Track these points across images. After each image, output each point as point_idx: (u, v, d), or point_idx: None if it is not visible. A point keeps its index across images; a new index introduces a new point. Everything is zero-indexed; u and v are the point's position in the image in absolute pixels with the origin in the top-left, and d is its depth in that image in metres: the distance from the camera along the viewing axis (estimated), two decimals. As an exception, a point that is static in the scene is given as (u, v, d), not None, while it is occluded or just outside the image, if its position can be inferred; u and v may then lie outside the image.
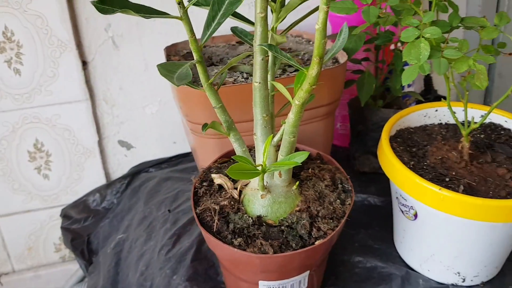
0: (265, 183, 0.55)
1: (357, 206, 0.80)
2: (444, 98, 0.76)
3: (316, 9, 0.60)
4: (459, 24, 0.55)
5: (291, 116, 0.51)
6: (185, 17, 0.48)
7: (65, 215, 0.94)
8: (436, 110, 0.72)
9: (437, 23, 0.54)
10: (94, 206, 0.94)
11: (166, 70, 0.42)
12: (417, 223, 0.62)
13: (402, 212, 0.64)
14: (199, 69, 0.52)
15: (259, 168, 0.51)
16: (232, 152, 0.64)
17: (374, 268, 0.68)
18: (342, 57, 0.75)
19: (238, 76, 0.72)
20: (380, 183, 0.84)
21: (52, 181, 0.95)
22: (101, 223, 0.89)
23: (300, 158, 0.50)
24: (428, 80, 1.06)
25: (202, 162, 0.75)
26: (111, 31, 0.87)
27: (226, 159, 0.64)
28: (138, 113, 0.95)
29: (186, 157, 0.99)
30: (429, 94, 1.03)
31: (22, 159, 0.92)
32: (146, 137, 0.98)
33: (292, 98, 0.51)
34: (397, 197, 0.64)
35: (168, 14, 0.48)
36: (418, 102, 0.88)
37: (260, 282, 0.55)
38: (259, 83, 0.54)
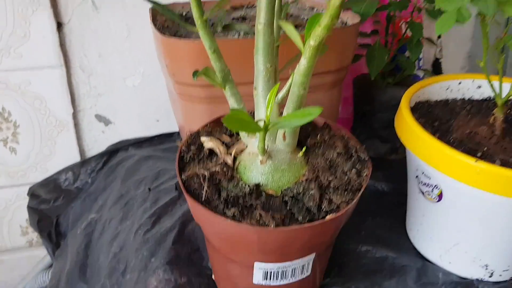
0: (265, 147, 0.46)
1: (363, 192, 0.70)
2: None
3: None
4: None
5: (303, 62, 0.41)
6: None
7: (32, 194, 0.83)
8: (460, 83, 0.64)
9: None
10: (66, 186, 0.83)
11: None
12: (440, 206, 0.53)
13: (423, 193, 0.55)
14: (193, 4, 0.42)
15: (261, 124, 0.41)
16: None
17: (384, 259, 0.58)
18: (353, 19, 0.66)
19: (235, 35, 0.63)
20: (387, 170, 0.75)
21: (19, 155, 0.85)
22: (73, 204, 0.79)
23: (314, 110, 0.40)
24: (437, 65, 0.98)
25: (187, 126, 0.65)
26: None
27: (218, 127, 0.54)
28: (118, 85, 0.85)
29: (170, 137, 0.89)
30: (439, 79, 0.95)
31: (-15, 129, 0.82)
32: (126, 113, 0.87)
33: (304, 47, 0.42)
34: (417, 176, 0.55)
35: None
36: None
37: (256, 264, 0.45)
38: (264, 24, 0.44)
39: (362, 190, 0.45)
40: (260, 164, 0.45)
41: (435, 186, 0.52)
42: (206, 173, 0.45)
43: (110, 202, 0.71)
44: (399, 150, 0.77)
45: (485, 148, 0.52)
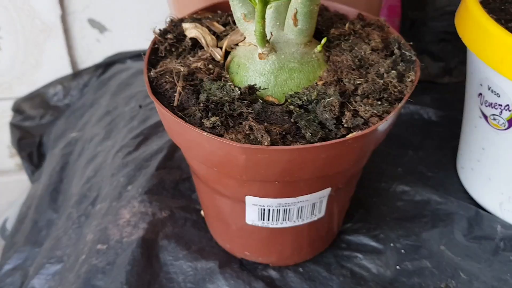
0: (269, 35, 0.32)
1: (404, 120, 0.56)
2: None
3: None
4: None
5: None
6: None
7: (17, 109, 0.72)
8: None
9: None
10: (55, 102, 0.72)
11: None
12: (509, 135, 0.39)
13: (486, 118, 0.40)
14: None
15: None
16: (220, 6, 0.40)
17: (426, 203, 0.45)
18: None
19: None
20: (437, 93, 0.60)
21: (2, 64, 0.73)
22: (58, 121, 0.67)
23: None
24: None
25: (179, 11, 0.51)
26: None
27: (210, 14, 0.40)
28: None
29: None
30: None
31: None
32: (124, 18, 0.74)
33: None
34: (480, 93, 0.40)
35: None
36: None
37: (248, 199, 0.33)
38: None
39: (404, 101, 0.31)
40: (259, 59, 0.32)
41: (506, 106, 0.37)
42: (183, 69, 0.32)
43: (94, 119, 0.60)
44: (454, 71, 0.62)
45: None
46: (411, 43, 0.36)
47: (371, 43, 0.33)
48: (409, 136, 0.53)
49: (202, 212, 0.43)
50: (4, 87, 0.75)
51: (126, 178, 0.46)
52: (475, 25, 0.38)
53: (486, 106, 0.40)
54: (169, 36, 0.36)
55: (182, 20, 0.38)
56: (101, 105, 0.62)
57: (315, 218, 0.35)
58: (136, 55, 0.74)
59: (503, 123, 0.38)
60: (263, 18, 0.29)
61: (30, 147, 0.67)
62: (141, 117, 0.56)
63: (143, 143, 0.51)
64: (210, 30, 0.37)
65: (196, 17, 0.38)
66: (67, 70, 0.75)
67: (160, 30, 0.37)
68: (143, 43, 0.74)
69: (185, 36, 0.36)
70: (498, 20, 0.41)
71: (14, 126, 0.70)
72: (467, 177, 0.46)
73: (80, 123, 0.62)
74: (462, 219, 0.43)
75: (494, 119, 0.39)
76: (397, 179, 0.47)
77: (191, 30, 0.35)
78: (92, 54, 0.75)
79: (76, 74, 0.73)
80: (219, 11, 0.40)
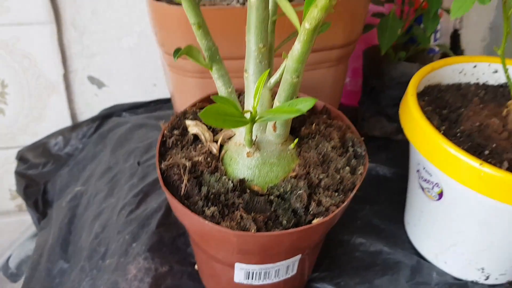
0: (254, 138, 0.42)
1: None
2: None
3: None
4: None
5: (297, 47, 0.37)
6: None
7: (21, 158, 0.80)
8: (475, 67, 0.58)
9: None
10: (56, 151, 0.80)
11: None
12: (440, 205, 0.49)
13: (423, 189, 0.51)
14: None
15: (247, 115, 0.37)
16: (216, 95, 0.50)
17: (378, 253, 0.55)
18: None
19: (233, 0, 0.57)
20: (392, 151, 0.71)
21: (8, 117, 0.81)
22: (61, 170, 0.76)
23: (305, 105, 0.36)
24: (455, 37, 0.91)
25: (180, 108, 0.61)
26: None
27: (208, 104, 0.50)
28: (113, 45, 0.80)
29: (167, 103, 0.85)
30: (455, 53, 0.89)
31: (-27, 88, 0.78)
32: (121, 75, 0.83)
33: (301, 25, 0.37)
34: (418, 170, 0.51)
35: None
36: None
37: (237, 265, 0.42)
38: None
39: (354, 190, 0.41)
40: (247, 156, 0.42)
41: (436, 184, 0.48)
42: (188, 164, 0.42)
43: (97, 174, 0.68)
44: (405, 131, 0.73)
45: (494, 145, 0.48)
46: (362, 138, 0.46)
47: (331, 142, 0.44)
48: (367, 191, 0.64)
49: (196, 266, 0.52)
50: (9, 137, 0.83)
51: (131, 236, 0.55)
52: (411, 119, 0.48)
53: (423, 181, 0.50)
54: (175, 132, 0.45)
55: (184, 114, 0.47)
56: (102, 160, 0.71)
57: (289, 276, 0.45)
58: (130, 107, 0.84)
59: (435, 195, 0.49)
60: (251, 131, 0.39)
61: (35, 195, 0.75)
62: (140, 174, 0.65)
63: (143, 200, 0.60)
64: (207, 125, 0.46)
65: (195, 111, 0.48)
66: (67, 122, 0.83)
67: (168, 125, 0.46)
68: (137, 96, 0.85)
69: (187, 131, 0.46)
70: (434, 109, 0.53)
71: (19, 174, 0.78)
72: (411, 231, 0.57)
73: (84, 176, 0.70)
74: (406, 267, 0.53)
75: (429, 191, 0.50)
76: (356, 232, 0.58)
77: (193, 128, 0.45)
78: (90, 106, 0.84)
79: (75, 125, 0.82)
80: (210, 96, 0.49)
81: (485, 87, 0.58)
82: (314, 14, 0.34)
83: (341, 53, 0.58)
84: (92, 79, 0.82)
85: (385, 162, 0.68)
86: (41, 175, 0.77)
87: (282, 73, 0.39)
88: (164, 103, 0.86)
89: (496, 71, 0.58)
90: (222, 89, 0.42)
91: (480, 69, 0.58)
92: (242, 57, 0.42)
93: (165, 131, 0.46)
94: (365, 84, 0.76)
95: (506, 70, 0.48)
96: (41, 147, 0.81)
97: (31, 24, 0.74)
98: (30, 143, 0.82)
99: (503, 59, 0.48)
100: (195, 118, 0.47)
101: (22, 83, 0.79)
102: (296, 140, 0.43)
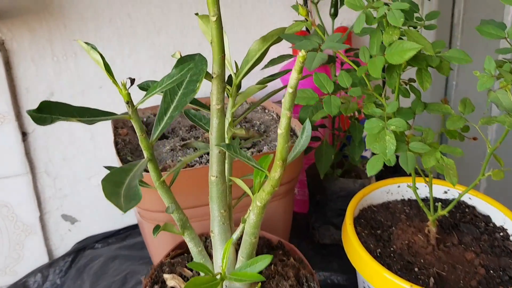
0: (224, 286, 0.50)
1: (322, 285, 0.76)
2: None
3: (277, 91, 0.57)
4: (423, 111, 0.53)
5: (252, 218, 0.47)
6: (134, 116, 0.44)
7: (1, 299, 0.85)
8: (399, 186, 0.70)
9: (400, 111, 0.51)
10: (35, 288, 0.85)
11: (112, 184, 0.37)
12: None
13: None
14: (150, 167, 0.47)
15: (218, 276, 0.46)
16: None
17: None
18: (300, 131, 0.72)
19: (194, 151, 0.68)
20: (343, 258, 0.80)
21: (-13, 261, 0.86)
22: (42, 309, 0.81)
23: (262, 264, 0.46)
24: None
25: (154, 250, 0.69)
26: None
27: (180, 251, 0.59)
28: (83, 185, 0.88)
29: (135, 229, 0.93)
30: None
31: (-48, 239, 0.83)
32: (92, 210, 0.91)
33: (251, 188, 0.47)
34: (364, 287, 0.61)
35: (115, 114, 0.43)
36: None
37: None
38: (216, 177, 0.50)
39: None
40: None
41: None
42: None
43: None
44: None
45: (422, 260, 0.58)
46: (314, 271, 0.55)
47: (289, 280, 0.53)
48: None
49: None
50: (-12, 279, 0.87)
51: None
52: (353, 249, 0.59)
53: (369, 296, 0.60)
54: (156, 286, 0.53)
55: (161, 266, 0.56)
56: (83, 297, 0.77)
57: None
58: (103, 238, 0.90)
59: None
60: (222, 286, 0.48)
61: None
62: (121, 309, 0.71)
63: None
64: (182, 275, 0.55)
65: (170, 262, 0.56)
66: (44, 259, 0.89)
67: (149, 279, 0.54)
68: (108, 226, 0.91)
69: (166, 284, 0.54)
70: (369, 233, 0.63)
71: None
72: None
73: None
74: None
75: (375, 304, 0.59)
76: None
77: (170, 281, 0.53)
78: (64, 242, 0.90)
79: (52, 262, 0.87)
80: (185, 254, 0.58)
81: (409, 202, 0.70)
82: (262, 196, 0.45)
83: (286, 188, 0.69)
84: (65, 217, 0.89)
85: (337, 269, 0.78)
86: (23, 315, 0.82)
87: (243, 230, 0.49)
88: (133, 229, 0.93)
89: (417, 188, 0.70)
90: (194, 250, 0.51)
91: (403, 188, 0.70)
92: (206, 204, 0.52)
93: (146, 287, 0.53)
94: (311, 197, 0.87)
95: (419, 201, 0.60)
96: (21, 286, 0.85)
97: (8, 177, 0.82)
98: (11, 283, 0.86)
99: (414, 181, 0.59)
100: (171, 271, 0.55)
101: (1, 229, 0.85)
102: (259, 284, 0.52)
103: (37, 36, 0.77)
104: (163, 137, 0.76)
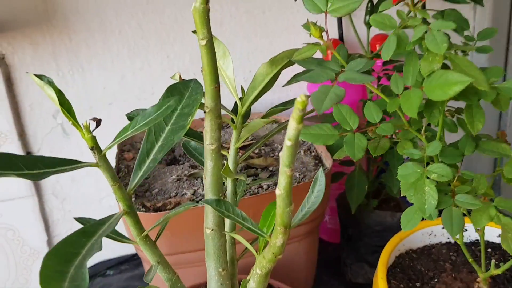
0: None
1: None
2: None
3: (281, 128, 0.48)
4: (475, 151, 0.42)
5: (253, 285, 0.38)
6: (102, 163, 0.36)
7: (7, 327, 0.80)
8: (443, 227, 0.59)
9: (444, 152, 0.41)
10: (42, 317, 0.80)
11: (51, 270, 0.28)
12: None
13: None
14: (128, 221, 0.39)
15: None
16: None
17: None
18: (327, 159, 0.62)
19: (199, 187, 0.59)
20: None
21: (-7, 286, 0.82)
22: None
23: None
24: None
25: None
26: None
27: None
28: (94, 207, 0.82)
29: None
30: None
31: (-42, 262, 0.79)
32: (104, 233, 0.84)
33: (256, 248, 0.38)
34: None
35: (79, 162, 0.36)
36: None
37: None
38: (212, 230, 0.41)
39: None
40: None
41: None
42: None
43: None
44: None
45: (470, 328, 0.47)
46: None
47: None
48: None
49: None
50: (-5, 305, 0.82)
51: None
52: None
53: None
54: None
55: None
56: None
57: None
58: (115, 264, 0.84)
59: None
60: None
61: None
62: None
63: None
64: None
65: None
66: (53, 285, 0.83)
67: None
68: (120, 249, 0.85)
69: None
70: (406, 286, 0.53)
71: None
72: None
73: None
74: None
75: None
76: None
77: None
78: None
79: None
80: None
81: (456, 247, 0.58)
82: (263, 263, 0.36)
83: (309, 228, 0.59)
84: (75, 241, 0.83)
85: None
86: None
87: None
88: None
89: (466, 230, 0.59)
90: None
91: (449, 229, 0.59)
92: (202, 249, 0.43)
93: None
94: (343, 230, 0.76)
95: (461, 242, 0.49)
96: (27, 315, 0.80)
97: (12, 199, 0.76)
98: (17, 311, 0.81)
99: (462, 238, 0.49)
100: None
101: (7, 253, 0.79)
102: None
103: (40, 50, 0.71)
104: (173, 162, 0.68)
